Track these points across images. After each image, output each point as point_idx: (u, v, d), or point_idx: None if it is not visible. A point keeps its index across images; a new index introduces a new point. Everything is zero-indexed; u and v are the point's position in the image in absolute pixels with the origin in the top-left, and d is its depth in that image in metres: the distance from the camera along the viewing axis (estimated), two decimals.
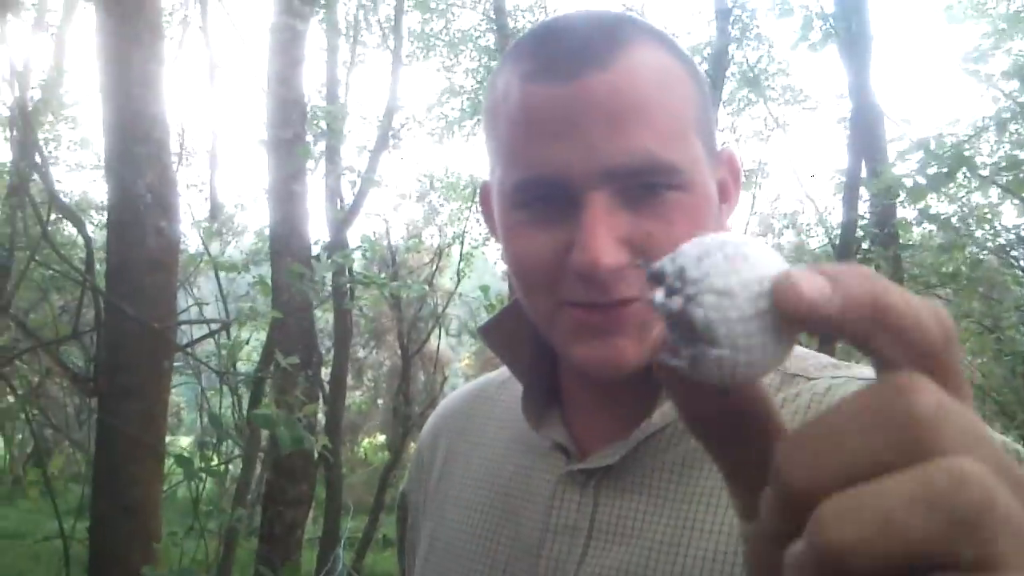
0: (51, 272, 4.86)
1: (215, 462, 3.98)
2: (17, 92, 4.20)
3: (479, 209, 0.91)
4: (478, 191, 0.90)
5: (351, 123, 11.95)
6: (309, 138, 6.34)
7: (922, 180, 5.38)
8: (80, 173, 12.84)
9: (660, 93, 0.71)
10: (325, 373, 7.42)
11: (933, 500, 0.27)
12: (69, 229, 7.89)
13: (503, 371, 0.98)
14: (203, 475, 3.58)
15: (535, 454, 0.86)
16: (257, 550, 4.91)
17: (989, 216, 6.53)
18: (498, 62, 0.80)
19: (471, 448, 0.95)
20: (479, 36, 14.30)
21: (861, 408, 0.30)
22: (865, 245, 6.93)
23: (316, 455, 3.89)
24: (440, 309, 10.61)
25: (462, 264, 9.80)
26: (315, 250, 5.27)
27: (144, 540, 3.40)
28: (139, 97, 3.57)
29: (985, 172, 5.82)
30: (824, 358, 0.81)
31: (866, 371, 0.76)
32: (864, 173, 6.82)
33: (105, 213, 4.29)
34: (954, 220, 6.05)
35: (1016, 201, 6.11)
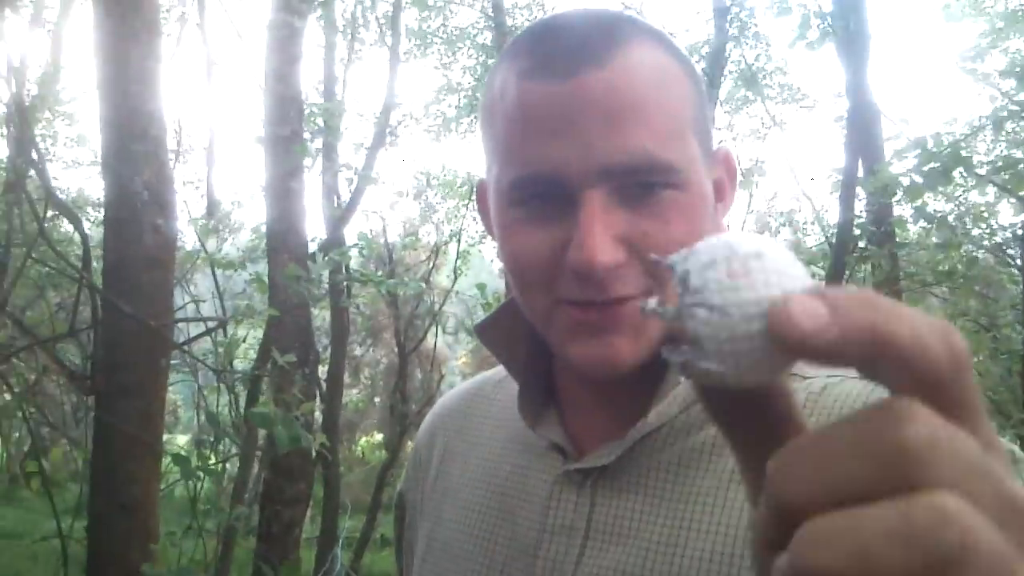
0: (48, 269, 4.86)
1: (212, 461, 3.98)
2: (14, 88, 4.20)
3: (476, 207, 0.91)
4: (474, 189, 0.90)
5: (348, 120, 11.96)
6: (306, 135, 6.34)
7: (919, 179, 5.39)
8: (77, 170, 12.83)
9: (657, 92, 0.71)
10: (322, 371, 7.42)
11: (911, 536, 0.27)
12: (66, 226, 7.88)
13: (500, 370, 0.98)
14: (201, 474, 3.58)
15: (532, 453, 0.86)
16: (255, 549, 4.91)
17: (986, 215, 6.54)
18: (496, 60, 0.80)
19: (468, 447, 0.95)
20: (477, 34, 14.29)
21: (854, 431, 0.30)
22: (862, 244, 6.93)
23: (314, 454, 3.89)
24: (437, 307, 10.60)
25: (459, 262, 9.80)
26: (312, 247, 5.26)
27: (142, 539, 3.40)
28: (136, 94, 3.57)
29: (982, 171, 5.82)
30: None
31: None
32: (861, 172, 6.83)
33: (102, 210, 4.28)
34: (951, 218, 6.05)
35: (1013, 200, 6.12)
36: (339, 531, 7.70)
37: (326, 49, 10.55)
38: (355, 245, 6.43)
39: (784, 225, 15.12)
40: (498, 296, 6.39)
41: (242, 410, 4.75)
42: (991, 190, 6.27)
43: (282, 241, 4.94)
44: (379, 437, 18.36)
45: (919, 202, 5.72)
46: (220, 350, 4.15)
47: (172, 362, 4.08)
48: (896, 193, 5.82)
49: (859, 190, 6.67)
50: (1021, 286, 5.91)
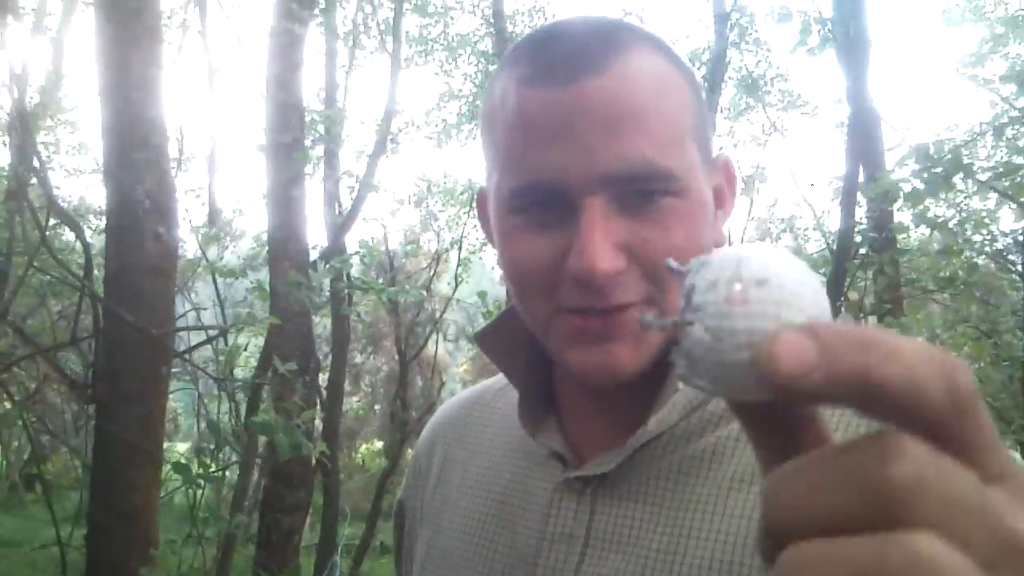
0: (49, 278, 4.86)
1: (213, 468, 3.98)
2: (16, 96, 4.20)
3: (476, 214, 0.91)
4: (475, 197, 0.90)
5: (349, 127, 11.98)
6: (307, 142, 6.34)
7: (920, 185, 5.39)
8: (78, 178, 12.83)
9: (657, 99, 0.71)
10: (323, 379, 7.42)
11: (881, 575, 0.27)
12: (67, 234, 7.89)
13: (500, 378, 0.98)
14: (201, 481, 3.58)
15: (532, 461, 0.86)
16: (254, 557, 4.91)
17: (987, 221, 6.53)
18: (496, 67, 0.80)
19: (468, 455, 0.95)
20: (478, 40, 14.32)
21: (842, 462, 0.30)
22: (863, 250, 6.93)
23: (314, 461, 3.89)
24: (438, 314, 10.60)
25: (460, 269, 9.80)
26: (313, 255, 5.27)
27: (142, 546, 3.40)
28: (138, 102, 3.58)
29: (983, 177, 5.82)
30: None
31: None
32: (862, 178, 6.83)
33: (103, 218, 4.29)
34: (951, 224, 6.05)
35: (1014, 206, 6.12)
36: (338, 538, 7.69)
37: (327, 56, 10.58)
38: (356, 253, 6.44)
39: (785, 231, 15.13)
40: (499, 304, 6.39)
41: (242, 418, 4.75)
42: (992, 196, 6.27)
43: (283, 249, 4.94)
44: (379, 444, 18.37)
45: (920, 207, 5.72)
46: (221, 358, 4.15)
47: (173, 370, 4.08)
48: (897, 199, 5.82)
49: (860, 196, 6.68)
50: (1022, 292, 5.91)
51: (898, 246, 6.95)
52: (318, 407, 6.44)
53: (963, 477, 0.29)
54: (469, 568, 0.85)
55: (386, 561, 10.52)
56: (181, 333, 4.47)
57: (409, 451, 9.39)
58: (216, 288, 6.14)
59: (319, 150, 8.55)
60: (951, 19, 12.52)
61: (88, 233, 5.77)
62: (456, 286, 9.55)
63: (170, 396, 4.08)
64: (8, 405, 4.58)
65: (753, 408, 0.37)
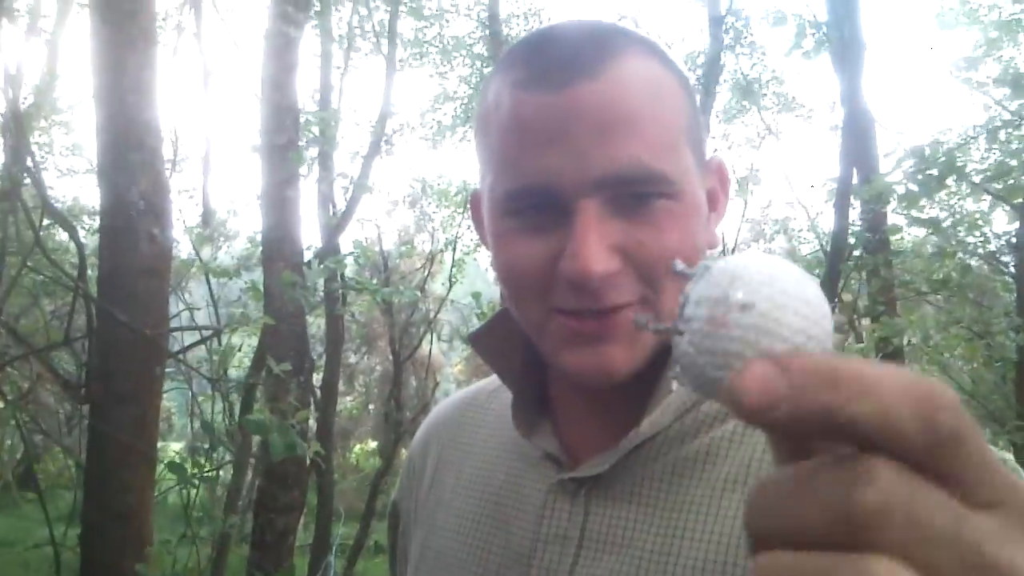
0: (42, 278, 4.85)
1: (207, 468, 3.97)
2: (10, 96, 4.20)
3: (470, 217, 0.91)
4: (469, 198, 0.90)
5: (344, 129, 11.97)
6: (302, 143, 6.34)
7: (914, 187, 5.41)
8: (72, 178, 12.80)
9: (650, 103, 0.71)
10: (317, 379, 7.42)
11: None
12: (61, 234, 7.88)
13: (494, 379, 0.98)
14: (196, 481, 3.57)
15: (526, 462, 0.86)
16: (248, 557, 4.90)
17: (980, 223, 6.55)
18: (491, 70, 0.80)
19: (462, 456, 0.95)
20: (473, 44, 14.31)
21: (814, 481, 0.30)
22: (857, 252, 6.95)
23: (308, 461, 3.88)
24: (432, 315, 10.61)
25: (454, 270, 9.81)
26: (308, 255, 5.26)
27: (136, 547, 3.39)
28: (133, 104, 3.58)
29: (976, 179, 5.85)
30: None
31: None
32: (855, 180, 6.86)
33: (97, 218, 4.28)
34: (945, 225, 6.07)
35: (1007, 208, 6.14)
36: (333, 538, 7.70)
37: (322, 58, 10.57)
38: (350, 254, 6.43)
39: (779, 232, 15.14)
40: (493, 305, 6.39)
41: (236, 418, 4.74)
42: (985, 198, 6.29)
43: (278, 249, 4.93)
44: (373, 444, 18.34)
45: (916, 208, 5.74)
46: (215, 358, 4.15)
47: (167, 370, 4.08)
48: (891, 201, 5.84)
49: (853, 199, 6.70)
50: (1015, 294, 5.93)
51: (892, 248, 6.97)
52: (312, 407, 6.44)
53: (937, 504, 0.29)
54: (463, 569, 0.85)
55: (380, 561, 10.52)
56: (175, 333, 4.47)
57: (403, 451, 9.39)
58: (210, 288, 6.13)
59: (313, 151, 8.54)
60: (945, 22, 12.54)
61: (82, 233, 5.76)
62: (451, 287, 9.56)
63: (164, 396, 4.07)
64: (1, 405, 4.57)
65: None
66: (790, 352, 0.32)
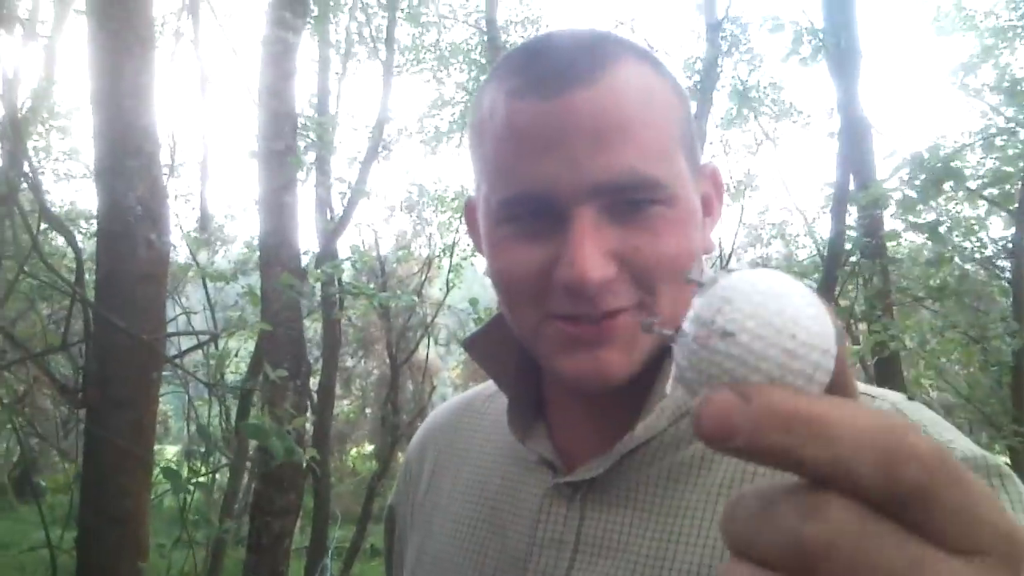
0: (39, 283, 4.85)
1: (203, 472, 3.97)
2: (7, 101, 4.20)
3: (465, 223, 0.92)
4: (464, 206, 0.91)
5: (342, 134, 11.96)
6: (300, 146, 6.34)
7: (911, 193, 5.43)
8: (69, 182, 12.77)
9: (644, 110, 0.71)
10: (313, 383, 7.41)
11: None
12: (58, 239, 7.87)
13: (491, 384, 0.98)
14: (191, 487, 3.57)
15: (522, 467, 0.87)
16: (245, 560, 4.89)
17: (976, 228, 6.56)
18: (485, 78, 0.81)
19: (459, 461, 0.95)
20: (471, 50, 14.31)
21: (772, 510, 0.31)
22: (853, 257, 6.96)
23: (304, 465, 3.88)
24: (429, 319, 10.61)
25: (451, 275, 9.81)
26: (305, 260, 5.26)
27: (132, 550, 3.39)
28: (130, 109, 3.58)
29: (973, 184, 5.86)
30: None
31: (863, 388, 0.78)
32: (852, 185, 6.87)
33: (94, 222, 4.28)
34: (942, 230, 6.07)
35: (1003, 213, 6.15)
36: (329, 541, 7.68)
37: (320, 63, 10.57)
38: (348, 258, 6.44)
39: (776, 238, 15.15)
40: (489, 310, 6.39)
41: (233, 422, 4.74)
42: (982, 203, 6.31)
43: (275, 254, 4.93)
44: (370, 448, 18.31)
45: (913, 213, 5.75)
46: (211, 362, 4.15)
47: (163, 374, 4.08)
48: (887, 207, 5.85)
49: (850, 204, 6.71)
50: (1011, 298, 5.94)
51: (888, 254, 6.98)
52: (309, 411, 6.43)
53: (893, 545, 0.30)
54: (459, 573, 0.85)
55: (376, 564, 10.50)
56: (172, 337, 4.46)
57: (399, 454, 9.39)
58: (207, 292, 6.13)
59: (311, 156, 8.54)
60: (942, 28, 12.59)
61: (79, 237, 5.75)
62: (447, 291, 9.56)
63: (160, 400, 4.07)
64: None
65: None
66: (761, 384, 0.32)
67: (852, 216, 6.88)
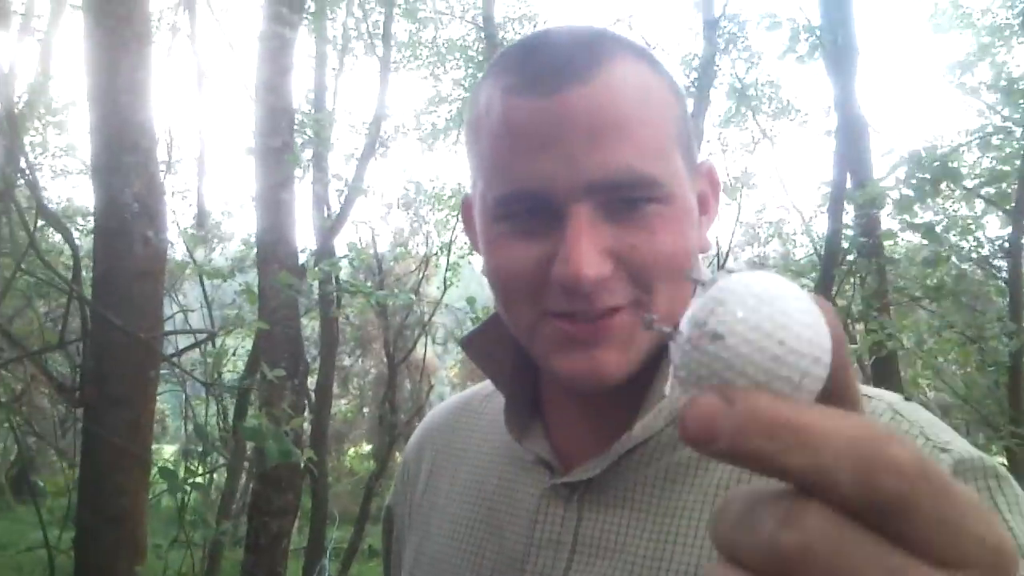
0: (36, 280, 4.84)
1: (200, 471, 3.97)
2: (3, 96, 4.19)
3: (462, 221, 0.91)
4: (461, 204, 0.91)
5: (338, 130, 11.96)
6: (297, 142, 6.33)
7: (909, 192, 5.42)
8: (65, 179, 12.75)
9: (641, 108, 0.71)
10: (311, 381, 7.40)
11: None
12: (55, 236, 7.86)
13: (488, 383, 0.98)
14: (187, 488, 3.57)
15: (519, 467, 0.86)
16: (243, 561, 4.89)
17: (972, 227, 6.56)
18: (481, 75, 0.80)
19: (457, 461, 0.95)
20: (468, 47, 14.30)
21: (751, 515, 0.31)
22: (850, 256, 6.96)
23: (302, 465, 3.88)
24: (427, 317, 10.60)
25: (449, 273, 9.80)
26: (302, 258, 5.26)
27: (130, 551, 3.39)
28: (127, 105, 3.57)
29: (970, 184, 5.86)
30: None
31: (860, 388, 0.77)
32: (849, 184, 6.87)
33: (91, 218, 4.27)
34: (938, 229, 6.07)
35: (1000, 212, 6.15)
36: (327, 542, 7.68)
37: (317, 59, 10.56)
38: (345, 256, 6.43)
39: (773, 236, 15.17)
40: (487, 309, 6.39)
41: (230, 421, 4.74)
42: (978, 202, 6.31)
43: (272, 252, 4.92)
44: (367, 447, 18.31)
45: (909, 212, 5.75)
46: (209, 360, 4.14)
47: (161, 372, 4.07)
48: (884, 205, 5.85)
49: (847, 203, 6.71)
50: (1007, 298, 5.93)
51: (885, 253, 6.98)
52: (306, 410, 6.43)
53: (871, 554, 0.29)
54: (457, 574, 0.85)
55: (374, 564, 10.50)
56: (169, 336, 4.46)
57: (397, 454, 9.39)
58: (204, 290, 6.13)
59: (308, 153, 8.53)
60: (939, 26, 12.60)
61: (75, 233, 5.74)
62: (445, 290, 9.55)
63: (158, 398, 4.07)
64: None
65: None
66: (748, 388, 0.32)
67: (849, 215, 6.88)
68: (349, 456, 18.95)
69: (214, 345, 4.37)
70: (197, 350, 4.40)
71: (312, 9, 7.62)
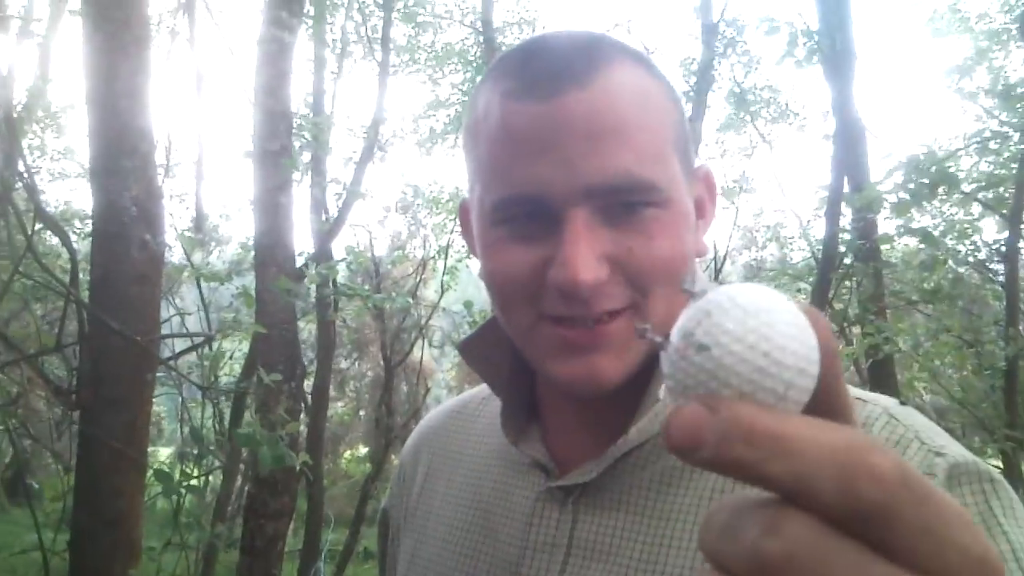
0: (33, 283, 4.83)
1: (195, 474, 3.96)
2: (2, 99, 4.18)
3: (459, 225, 0.92)
4: (459, 208, 0.91)
5: (337, 134, 11.95)
6: (295, 146, 6.33)
7: (906, 196, 5.43)
8: (63, 182, 12.74)
9: (638, 112, 0.72)
10: (308, 385, 7.40)
11: None
12: (52, 239, 7.84)
13: (485, 387, 0.98)
14: (182, 490, 3.56)
15: (515, 470, 0.87)
16: (238, 563, 4.89)
17: (969, 231, 6.58)
18: (480, 79, 0.80)
19: (453, 465, 0.95)
20: (466, 51, 14.30)
21: (735, 523, 0.31)
22: (847, 260, 6.97)
23: (298, 468, 3.88)
24: (424, 321, 10.60)
25: (446, 277, 9.80)
26: (300, 261, 5.25)
27: (125, 553, 3.38)
28: (126, 109, 3.57)
29: (967, 188, 5.87)
30: None
31: (855, 392, 0.77)
32: (847, 188, 6.88)
33: (89, 222, 4.27)
34: (935, 233, 6.09)
35: (997, 217, 6.16)
36: (322, 544, 7.68)
37: (316, 63, 10.55)
38: (343, 259, 6.43)
39: (771, 240, 15.16)
40: (484, 313, 6.40)
41: (226, 424, 4.73)
42: (975, 206, 6.32)
43: (270, 255, 4.92)
44: (364, 450, 18.29)
45: (904, 218, 5.76)
46: (205, 363, 4.14)
47: (157, 375, 4.06)
48: (881, 209, 5.86)
49: (844, 207, 6.72)
50: (1004, 302, 5.95)
51: (882, 257, 6.99)
52: (303, 413, 6.43)
53: (854, 563, 0.30)
54: None
55: (370, 566, 10.50)
56: (166, 339, 4.45)
57: (393, 457, 9.39)
58: (201, 293, 6.10)
59: (306, 156, 8.53)
60: (937, 30, 12.62)
61: (73, 237, 5.73)
62: (442, 293, 9.55)
63: (154, 400, 4.06)
64: None
65: None
66: (733, 398, 0.32)
67: (847, 219, 6.90)
68: (345, 459, 18.94)
69: (211, 348, 4.36)
70: (194, 353, 4.39)
71: (311, 13, 7.62)
